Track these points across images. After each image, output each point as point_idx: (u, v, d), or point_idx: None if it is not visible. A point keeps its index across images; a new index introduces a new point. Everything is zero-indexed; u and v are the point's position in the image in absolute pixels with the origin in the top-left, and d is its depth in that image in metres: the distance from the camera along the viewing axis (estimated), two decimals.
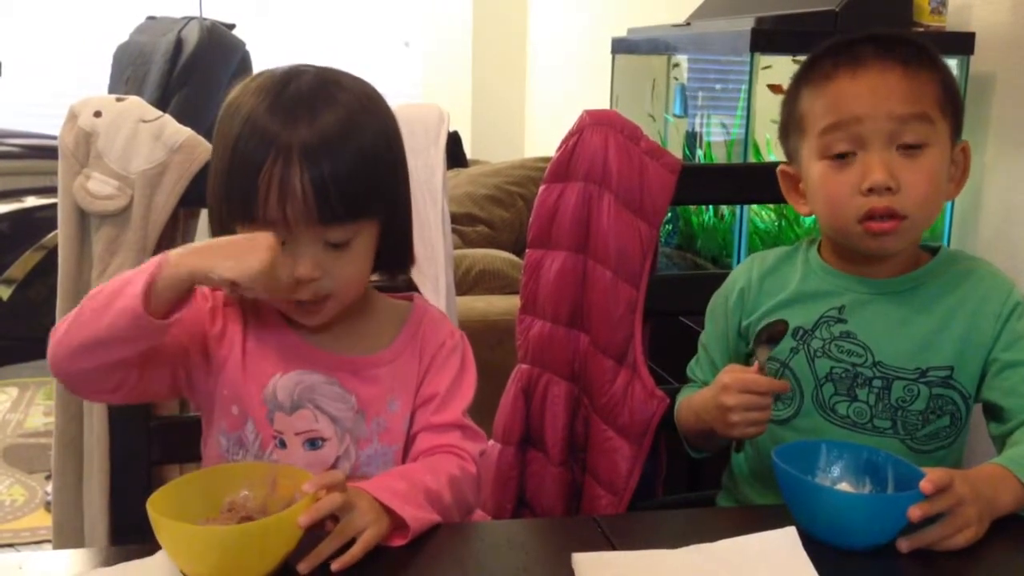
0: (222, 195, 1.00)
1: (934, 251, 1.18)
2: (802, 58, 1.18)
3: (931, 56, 1.12)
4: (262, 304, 1.07)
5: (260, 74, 1.02)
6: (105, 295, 0.92)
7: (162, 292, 0.91)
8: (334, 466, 1.05)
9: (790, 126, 1.17)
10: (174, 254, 0.92)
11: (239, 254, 0.91)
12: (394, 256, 1.09)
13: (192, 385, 1.07)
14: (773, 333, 1.11)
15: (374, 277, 1.11)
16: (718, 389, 1.10)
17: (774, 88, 1.79)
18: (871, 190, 1.07)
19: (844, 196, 1.09)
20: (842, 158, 1.10)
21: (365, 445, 1.06)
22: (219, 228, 1.03)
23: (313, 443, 1.05)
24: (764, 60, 1.83)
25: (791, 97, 1.17)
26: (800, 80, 1.16)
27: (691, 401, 1.21)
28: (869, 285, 1.15)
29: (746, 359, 1.23)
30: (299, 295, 0.99)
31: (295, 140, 0.94)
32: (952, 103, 1.11)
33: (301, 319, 1.04)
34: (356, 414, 1.06)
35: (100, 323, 0.91)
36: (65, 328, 0.94)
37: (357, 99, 1.01)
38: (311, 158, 0.94)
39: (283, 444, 1.05)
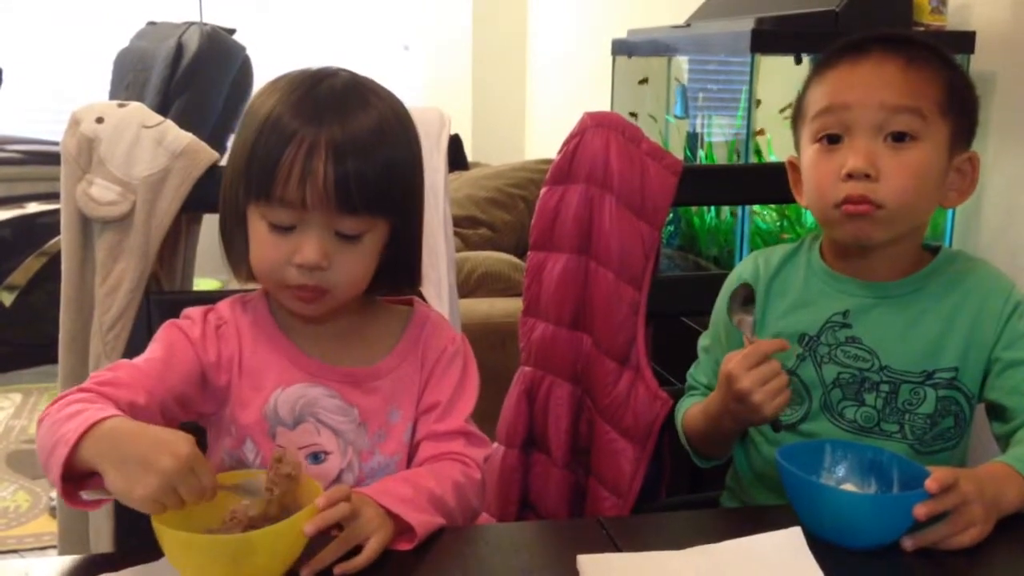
0: (240, 177, 0.99)
1: (935, 251, 1.18)
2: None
3: (940, 57, 1.11)
4: (260, 317, 1.07)
5: (288, 74, 1.02)
6: (49, 446, 0.87)
7: (85, 468, 0.86)
8: (337, 479, 1.05)
9: (796, 115, 1.18)
10: (91, 436, 0.84)
11: (130, 469, 0.82)
12: (401, 268, 1.07)
13: (190, 410, 1.05)
14: (744, 297, 1.12)
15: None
16: (725, 382, 1.09)
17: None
18: (850, 175, 1.07)
19: (827, 181, 1.10)
20: (833, 143, 1.10)
21: (368, 457, 1.06)
22: (233, 216, 1.02)
23: (316, 457, 1.04)
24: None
25: (803, 88, 1.18)
26: (812, 72, 1.17)
27: (702, 410, 1.20)
28: (872, 289, 1.15)
29: None
30: (302, 283, 0.98)
31: (323, 134, 0.94)
32: (957, 107, 1.10)
33: (296, 309, 1.03)
34: (358, 427, 1.05)
35: (50, 476, 0.88)
36: (39, 442, 0.90)
37: (389, 107, 1.01)
38: (338, 151, 0.94)
39: None
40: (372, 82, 1.03)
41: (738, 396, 1.07)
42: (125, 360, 1.02)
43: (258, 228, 0.99)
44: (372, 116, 0.98)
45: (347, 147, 0.95)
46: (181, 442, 0.84)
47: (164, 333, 1.05)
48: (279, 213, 0.97)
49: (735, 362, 1.07)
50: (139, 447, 0.83)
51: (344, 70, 1.03)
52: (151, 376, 0.98)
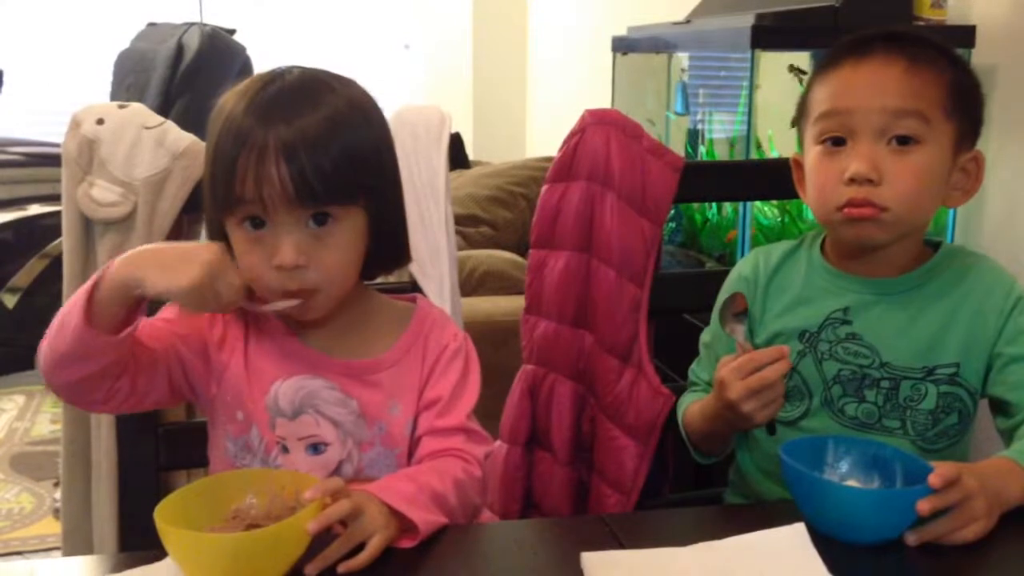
0: (209, 188, 1.01)
1: (936, 247, 1.18)
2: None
3: (946, 57, 1.11)
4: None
5: (249, 78, 1.03)
6: (66, 309, 0.92)
7: (105, 305, 0.91)
8: (337, 469, 1.05)
9: (800, 114, 1.18)
10: (117, 262, 0.92)
11: (172, 266, 0.90)
12: (386, 253, 1.07)
13: (194, 390, 1.07)
14: (736, 309, 1.13)
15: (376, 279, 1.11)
16: (717, 388, 1.10)
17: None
18: (852, 180, 1.07)
19: (830, 184, 1.09)
20: (836, 146, 1.10)
21: (367, 448, 1.06)
22: (213, 228, 1.04)
23: (316, 448, 1.05)
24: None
25: (807, 87, 1.17)
26: (815, 70, 1.17)
27: (699, 409, 1.20)
28: (872, 286, 1.15)
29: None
30: (286, 286, 0.99)
31: (271, 135, 0.95)
32: (961, 108, 1.10)
33: (294, 314, 1.03)
34: (357, 418, 1.06)
35: (64, 339, 0.92)
36: (46, 342, 0.95)
37: (343, 97, 1.01)
38: (288, 149, 0.95)
39: (286, 449, 1.05)
40: (326, 74, 1.03)
41: (728, 405, 1.07)
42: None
43: (235, 238, 1.00)
44: (321, 110, 0.98)
45: (297, 143, 0.95)
46: (212, 244, 0.94)
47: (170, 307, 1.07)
48: (245, 210, 0.98)
49: (728, 370, 1.08)
50: (175, 250, 0.93)
51: (298, 67, 1.03)
52: (157, 326, 1.03)
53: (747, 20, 1.80)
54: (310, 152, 0.95)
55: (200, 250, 0.92)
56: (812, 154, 1.13)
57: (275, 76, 1.01)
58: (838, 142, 1.10)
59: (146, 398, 1.03)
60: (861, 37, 1.13)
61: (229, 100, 1.00)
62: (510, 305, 2.17)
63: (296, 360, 1.06)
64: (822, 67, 1.14)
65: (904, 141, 1.07)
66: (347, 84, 1.03)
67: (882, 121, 1.07)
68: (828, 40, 1.17)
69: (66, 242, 1.32)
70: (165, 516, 0.82)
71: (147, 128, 1.31)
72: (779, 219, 2.03)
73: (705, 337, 1.30)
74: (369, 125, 1.03)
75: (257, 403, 1.05)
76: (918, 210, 1.10)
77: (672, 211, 1.83)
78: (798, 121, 1.19)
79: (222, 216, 1.00)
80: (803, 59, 2.00)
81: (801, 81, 1.97)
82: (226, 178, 0.96)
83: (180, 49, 3.30)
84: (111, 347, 0.93)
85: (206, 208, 1.04)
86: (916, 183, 1.07)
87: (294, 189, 0.95)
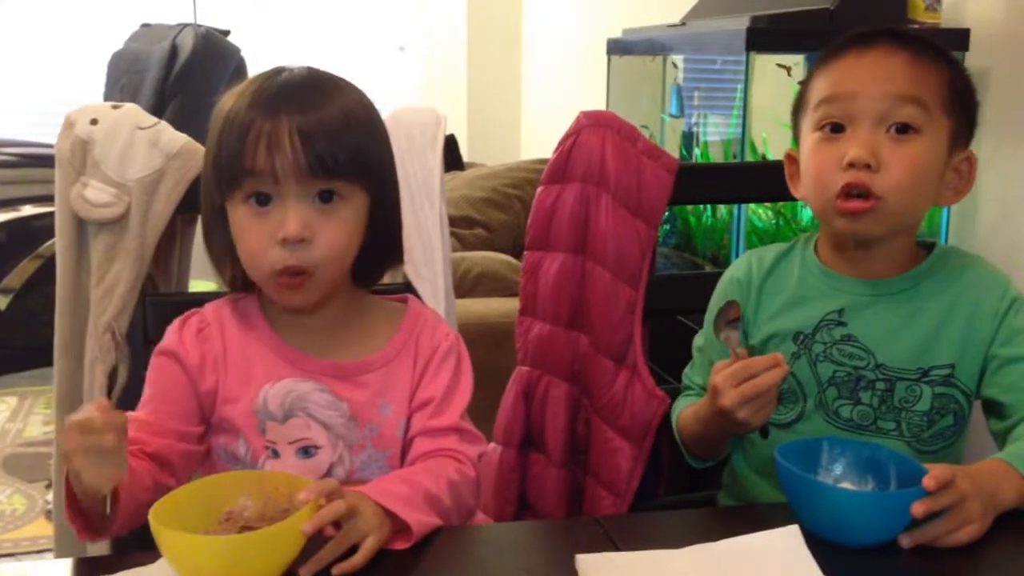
0: (212, 176, 1.01)
1: (929, 248, 1.18)
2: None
3: (944, 56, 1.12)
4: (251, 313, 1.08)
5: (250, 77, 1.05)
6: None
7: (87, 508, 0.90)
8: (328, 473, 1.05)
9: (798, 105, 1.18)
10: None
11: (77, 464, 0.84)
12: (383, 251, 1.08)
13: (208, 416, 1.07)
14: (730, 316, 1.13)
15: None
16: (711, 394, 1.09)
17: None
18: (851, 165, 1.07)
19: (828, 170, 1.09)
20: (835, 132, 1.10)
21: (359, 451, 1.06)
22: (212, 215, 1.04)
23: (306, 451, 1.05)
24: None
25: (807, 78, 1.17)
26: (817, 62, 1.17)
27: (693, 413, 1.20)
28: (867, 287, 1.15)
29: (750, 353, 1.21)
30: (286, 262, 0.98)
31: (283, 122, 0.96)
32: (959, 106, 1.10)
33: (285, 300, 1.03)
34: (348, 420, 1.05)
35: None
36: None
37: (352, 97, 1.03)
38: (302, 130, 0.96)
39: (276, 454, 1.05)
40: (332, 75, 1.05)
41: (722, 411, 1.07)
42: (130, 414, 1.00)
43: (238, 216, 1.00)
44: (334, 104, 1.00)
45: (312, 127, 0.97)
46: (70, 422, 0.83)
47: (150, 369, 1.07)
48: (252, 184, 0.98)
49: (721, 377, 1.07)
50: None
51: (303, 66, 1.05)
52: (149, 419, 1.01)
53: (742, 22, 1.80)
54: (323, 135, 0.97)
55: (61, 439, 0.88)
56: (810, 141, 1.12)
57: (280, 70, 1.03)
58: (837, 128, 1.10)
59: (192, 467, 1.04)
60: (863, 32, 1.13)
61: (230, 98, 1.01)
62: (505, 307, 2.17)
63: (284, 362, 1.06)
64: (824, 58, 1.14)
65: (903, 130, 1.07)
66: (351, 85, 1.05)
67: (884, 107, 1.07)
68: (823, 43, 1.17)
69: (59, 243, 1.32)
70: (159, 517, 0.82)
71: (141, 128, 1.30)
72: (773, 221, 2.03)
73: (698, 341, 1.30)
74: (374, 125, 1.04)
75: (244, 410, 1.04)
76: (912, 202, 1.10)
77: (667, 213, 1.83)
78: (795, 113, 1.19)
79: (226, 196, 1.00)
80: (798, 62, 2.00)
81: (790, 72, 1.98)
82: (233, 156, 0.97)
83: (174, 50, 3.29)
84: (111, 520, 0.92)
85: (204, 199, 1.04)
86: (913, 172, 1.07)
87: (304, 157, 0.96)
